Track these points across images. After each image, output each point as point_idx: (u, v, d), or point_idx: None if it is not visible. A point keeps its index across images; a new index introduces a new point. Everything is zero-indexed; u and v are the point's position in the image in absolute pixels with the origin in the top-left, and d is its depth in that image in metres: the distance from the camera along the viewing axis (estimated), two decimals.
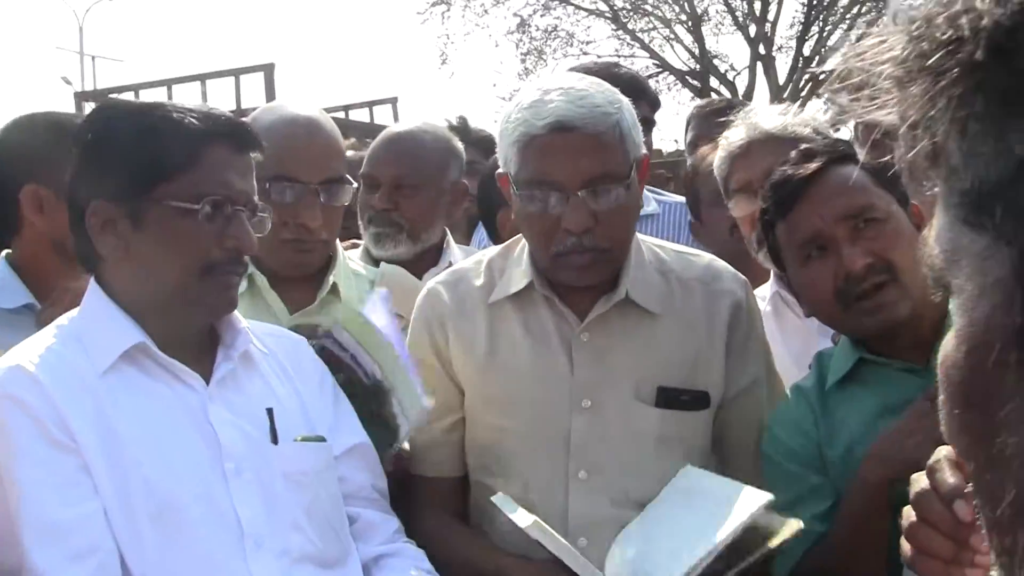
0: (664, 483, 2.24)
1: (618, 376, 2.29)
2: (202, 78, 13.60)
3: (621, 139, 2.19)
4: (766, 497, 2.04)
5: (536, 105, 2.18)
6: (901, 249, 2.11)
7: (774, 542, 2.01)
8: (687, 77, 27.52)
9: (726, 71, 27.89)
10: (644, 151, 2.30)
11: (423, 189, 3.11)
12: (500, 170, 2.31)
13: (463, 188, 3.23)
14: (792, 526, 2.02)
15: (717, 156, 2.93)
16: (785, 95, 22.81)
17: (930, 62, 0.65)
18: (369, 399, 2.32)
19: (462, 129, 4.15)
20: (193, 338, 2.06)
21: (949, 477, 1.19)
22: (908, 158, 0.68)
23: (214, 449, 1.95)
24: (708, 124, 3.95)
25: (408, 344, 2.43)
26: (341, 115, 15.63)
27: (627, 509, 2.25)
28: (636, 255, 2.34)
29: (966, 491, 1.15)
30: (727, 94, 26.58)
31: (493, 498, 2.19)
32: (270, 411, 2.06)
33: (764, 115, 2.89)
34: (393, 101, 16.07)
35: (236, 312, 2.11)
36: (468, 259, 2.53)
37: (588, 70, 3.69)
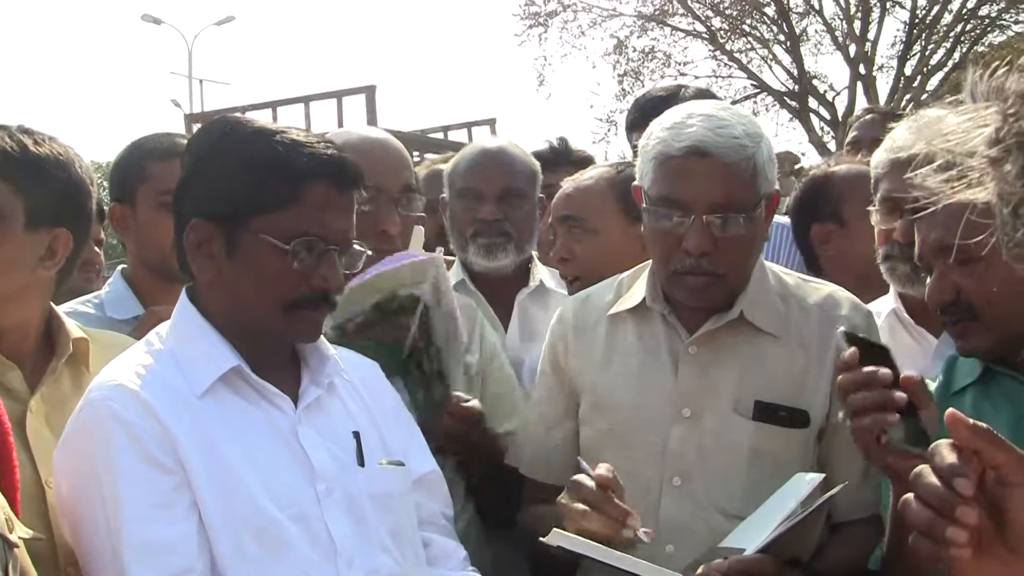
0: (755, 495, 2.28)
1: (720, 389, 2.36)
2: (305, 100, 13.89)
3: (754, 172, 2.27)
4: (819, 477, 2.18)
5: (677, 127, 2.28)
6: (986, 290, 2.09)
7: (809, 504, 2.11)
8: (785, 98, 27.24)
9: (825, 91, 27.55)
10: (776, 187, 2.36)
11: (526, 200, 3.22)
12: (635, 183, 2.41)
13: (544, 203, 3.32)
14: (835, 490, 2.14)
15: (879, 152, 2.77)
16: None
17: None
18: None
19: (563, 150, 4.21)
20: (279, 359, 2.11)
21: (948, 457, 1.22)
22: (1014, 238, 0.69)
23: (307, 470, 2.00)
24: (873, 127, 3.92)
25: (540, 359, 2.64)
26: (440, 135, 15.86)
27: (718, 517, 2.31)
28: (759, 279, 2.41)
29: (963, 469, 1.20)
30: (826, 115, 26.31)
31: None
32: (357, 434, 2.11)
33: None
34: (491, 122, 16.25)
35: (323, 338, 2.16)
36: (608, 279, 2.63)
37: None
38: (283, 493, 1.95)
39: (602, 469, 2.16)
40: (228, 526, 1.89)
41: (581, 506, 2.13)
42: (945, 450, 1.23)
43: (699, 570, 2.05)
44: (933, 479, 1.22)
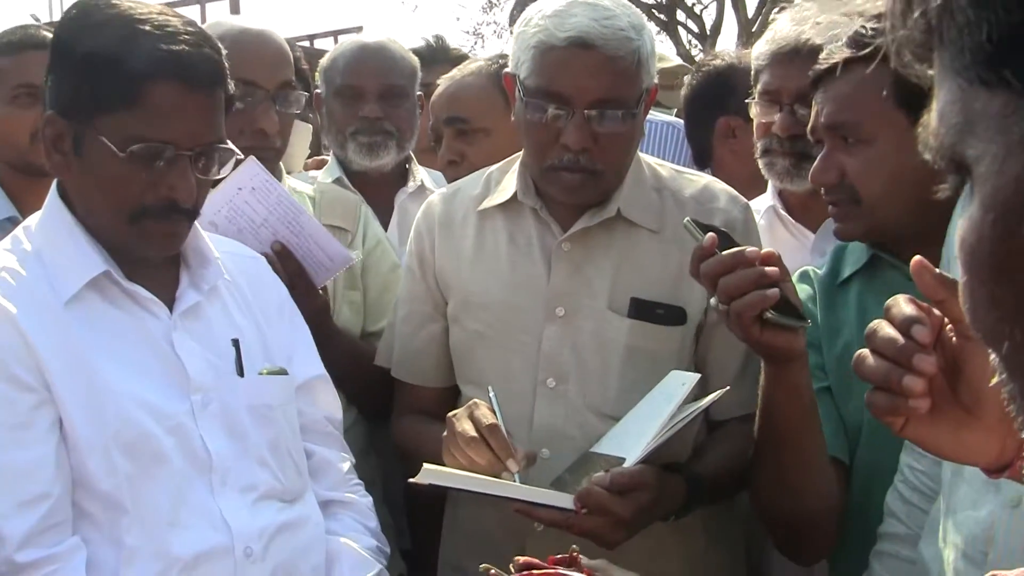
0: (631, 395, 2.23)
1: (594, 286, 2.28)
2: (169, 6, 13.51)
3: (637, 66, 2.17)
4: (695, 377, 2.14)
5: (560, 15, 2.15)
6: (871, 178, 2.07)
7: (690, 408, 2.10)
8: (653, 11, 27.31)
9: (693, 4, 27.67)
10: (656, 80, 2.28)
11: (407, 98, 3.15)
12: (508, 70, 2.30)
13: (422, 101, 3.26)
14: (715, 395, 2.11)
15: (760, 44, 2.74)
16: (754, 30, 22.62)
17: None
18: None
19: (441, 48, 4.11)
20: (154, 261, 1.97)
21: (905, 309, 1.18)
22: (902, 35, 0.64)
23: (181, 380, 1.89)
24: None
25: (407, 255, 2.54)
26: (306, 44, 15.56)
27: (592, 419, 2.25)
28: (635, 173, 2.32)
29: (921, 317, 1.16)
30: (695, 28, 26.52)
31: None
32: (236, 342, 2.00)
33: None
34: (358, 30, 15.98)
35: (207, 238, 2.04)
36: (475, 172, 2.53)
37: None
38: (156, 404, 1.84)
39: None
40: (98, 441, 1.78)
41: (471, 432, 2.06)
42: (902, 302, 1.20)
43: (581, 484, 2.00)
44: (890, 331, 1.18)
